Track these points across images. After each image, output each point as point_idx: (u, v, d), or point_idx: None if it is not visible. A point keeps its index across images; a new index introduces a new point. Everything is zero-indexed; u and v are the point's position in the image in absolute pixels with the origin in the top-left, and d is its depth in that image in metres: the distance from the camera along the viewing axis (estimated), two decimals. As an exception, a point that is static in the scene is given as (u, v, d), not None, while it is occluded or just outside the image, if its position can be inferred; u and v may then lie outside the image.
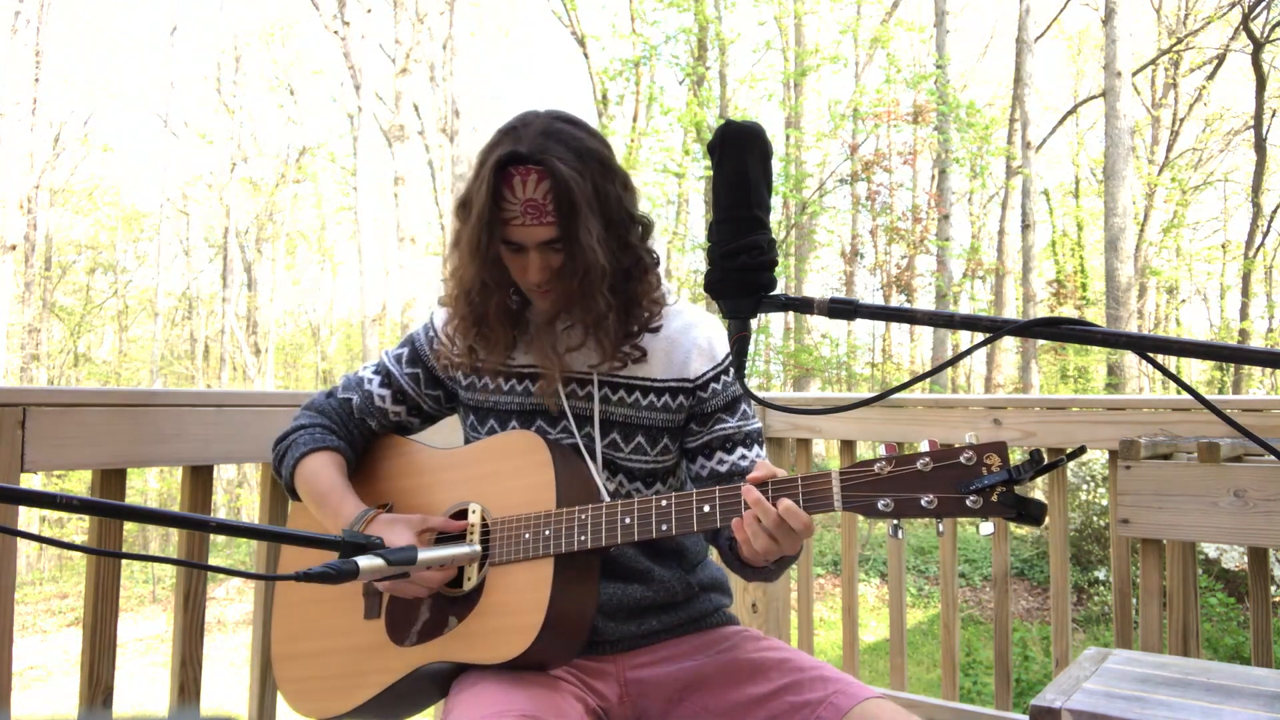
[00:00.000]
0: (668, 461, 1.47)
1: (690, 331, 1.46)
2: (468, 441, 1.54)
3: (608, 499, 1.39)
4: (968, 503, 1.05)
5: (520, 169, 1.28)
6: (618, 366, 1.42)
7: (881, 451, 1.13)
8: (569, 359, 1.41)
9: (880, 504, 1.10)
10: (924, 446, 1.10)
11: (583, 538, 1.27)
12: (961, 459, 1.07)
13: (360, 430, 1.54)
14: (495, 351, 1.44)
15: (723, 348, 1.47)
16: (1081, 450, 1.00)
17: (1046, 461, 1.01)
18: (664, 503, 1.26)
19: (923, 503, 1.07)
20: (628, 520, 1.27)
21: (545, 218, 1.29)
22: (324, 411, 1.53)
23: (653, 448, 1.44)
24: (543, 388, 1.42)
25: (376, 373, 1.55)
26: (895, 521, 1.11)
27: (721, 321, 1.42)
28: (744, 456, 1.47)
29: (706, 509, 1.23)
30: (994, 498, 1.04)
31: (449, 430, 1.71)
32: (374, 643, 1.39)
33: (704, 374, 1.45)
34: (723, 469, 1.46)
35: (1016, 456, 1.06)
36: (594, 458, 1.42)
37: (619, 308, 1.37)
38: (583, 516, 1.29)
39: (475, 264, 1.34)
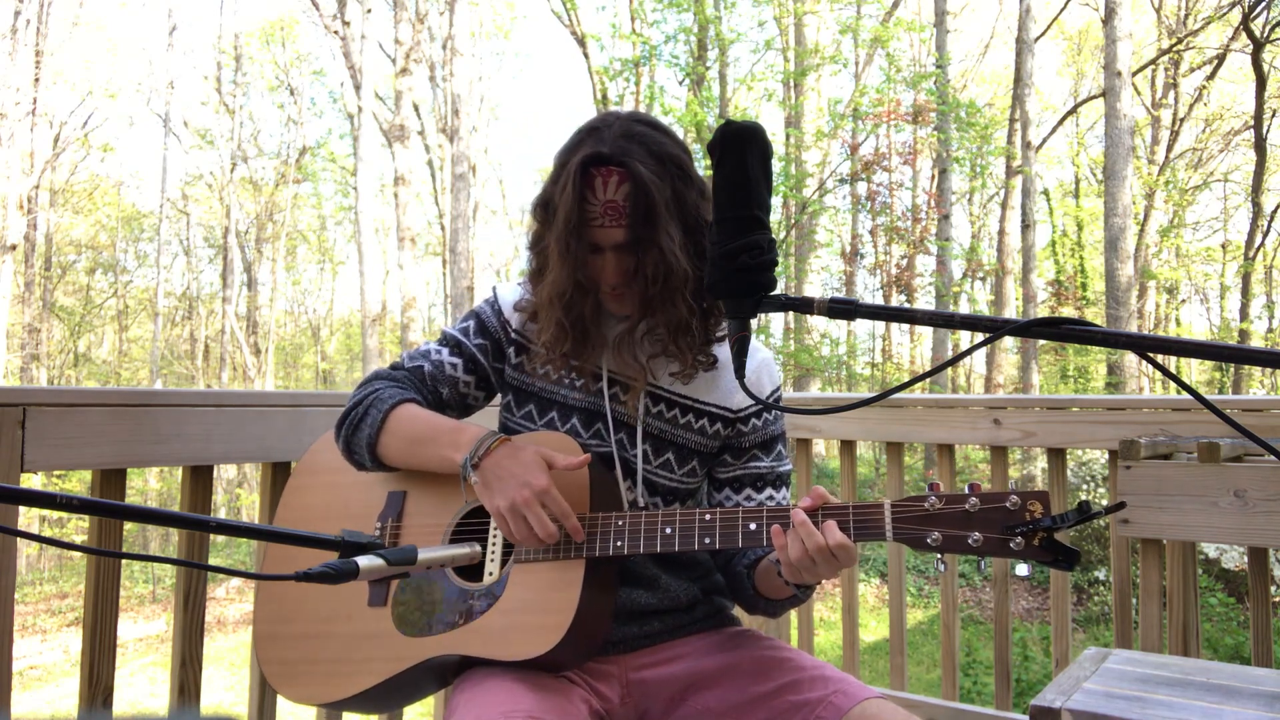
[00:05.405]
0: (691, 484, 1.46)
1: None
2: (502, 423, 1.51)
3: (627, 509, 1.38)
4: (1011, 545, 1.11)
5: (602, 170, 1.28)
6: (690, 374, 1.40)
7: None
8: (652, 365, 1.40)
9: (929, 538, 1.14)
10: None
11: (619, 543, 1.26)
12: (1008, 503, 1.12)
13: (434, 397, 1.47)
14: (587, 353, 1.40)
15: (771, 384, 1.47)
16: (1121, 505, 1.06)
17: (1090, 513, 1.06)
18: (708, 517, 1.25)
19: (969, 540, 1.12)
20: (668, 530, 1.25)
21: (622, 219, 1.29)
22: (395, 379, 1.46)
23: (681, 467, 1.43)
24: (627, 399, 1.40)
25: (443, 344, 1.50)
26: (940, 556, 1.16)
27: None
28: (771, 497, 1.47)
29: (753, 527, 1.22)
30: (1035, 541, 1.11)
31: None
32: (378, 630, 1.35)
33: (746, 407, 1.45)
34: (749, 505, 1.45)
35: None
36: (632, 466, 1.40)
37: (700, 315, 1.36)
38: (620, 522, 1.27)
39: (566, 267, 1.32)
